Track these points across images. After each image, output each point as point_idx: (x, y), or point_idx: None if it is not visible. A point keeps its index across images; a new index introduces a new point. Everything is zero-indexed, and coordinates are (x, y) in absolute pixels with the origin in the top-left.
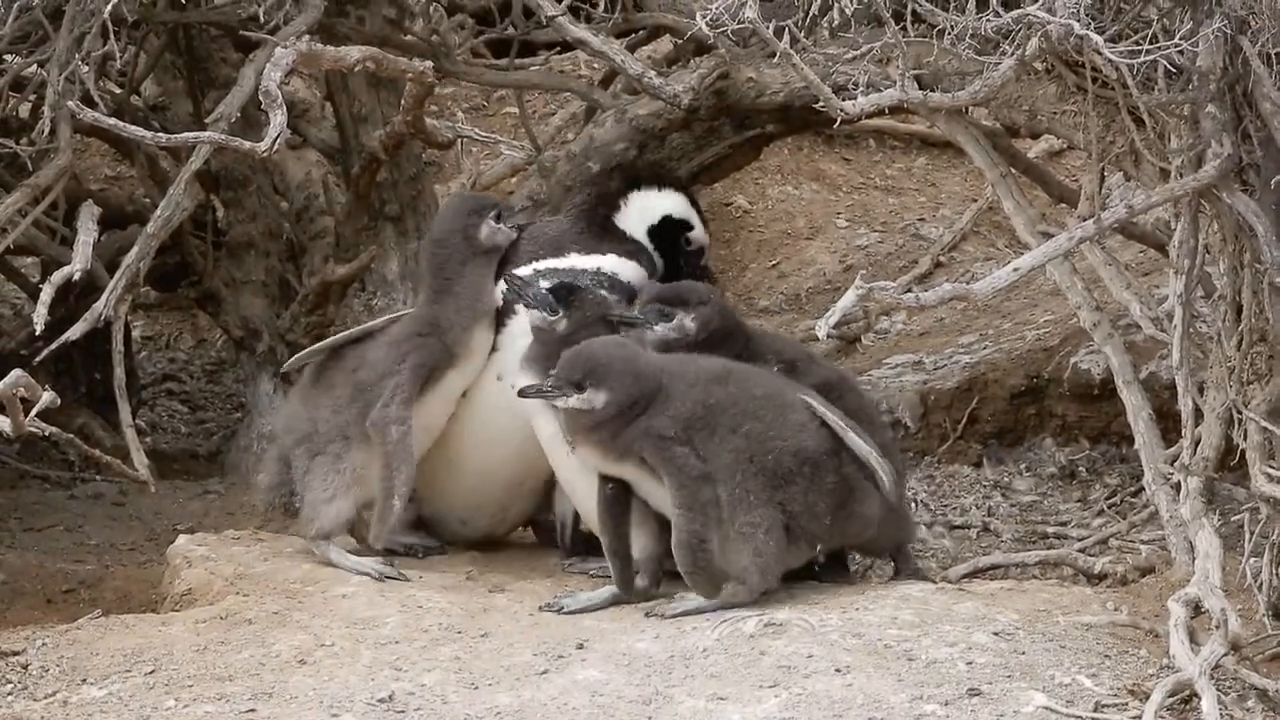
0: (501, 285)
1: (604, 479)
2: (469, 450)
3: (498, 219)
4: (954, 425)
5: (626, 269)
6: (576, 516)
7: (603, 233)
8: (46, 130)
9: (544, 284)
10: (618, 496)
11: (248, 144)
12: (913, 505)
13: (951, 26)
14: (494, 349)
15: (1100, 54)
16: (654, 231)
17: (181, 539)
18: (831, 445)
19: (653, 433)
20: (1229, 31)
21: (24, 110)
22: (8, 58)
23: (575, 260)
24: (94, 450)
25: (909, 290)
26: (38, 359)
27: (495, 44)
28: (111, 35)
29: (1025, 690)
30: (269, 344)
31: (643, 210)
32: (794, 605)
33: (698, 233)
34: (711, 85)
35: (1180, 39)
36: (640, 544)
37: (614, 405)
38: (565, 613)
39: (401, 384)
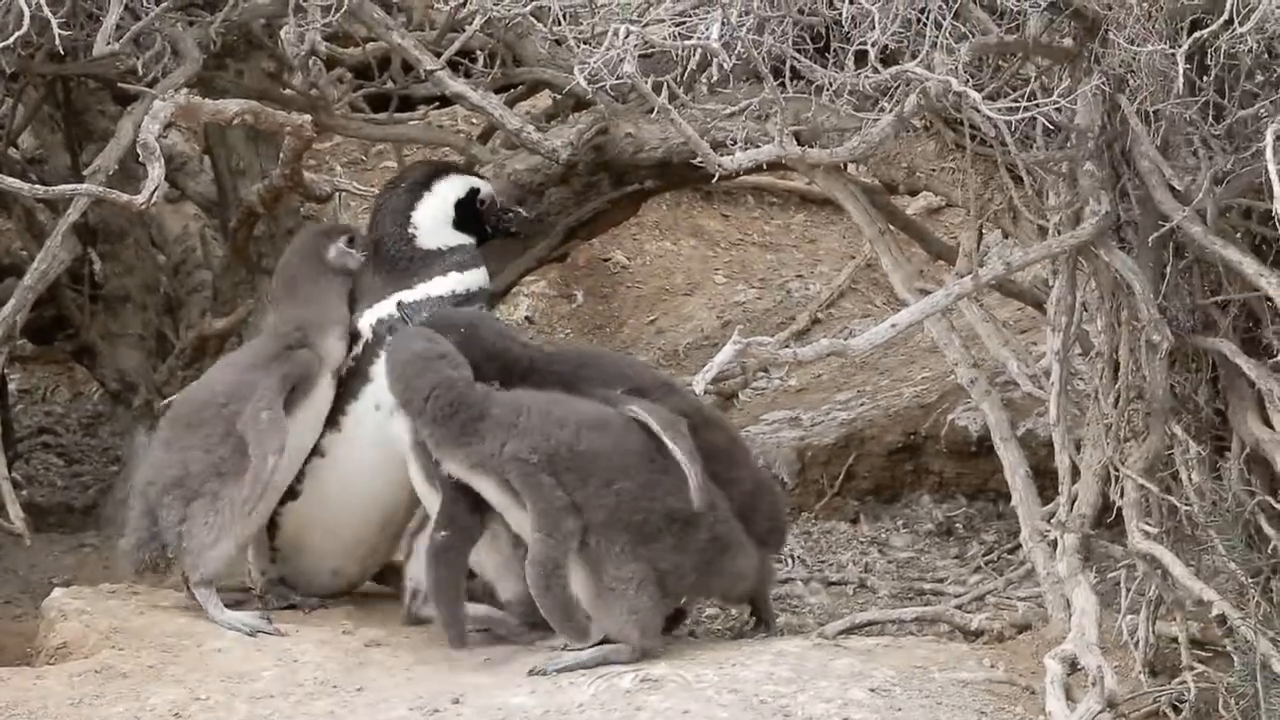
0: (379, 312)
1: (436, 526)
2: (348, 486)
3: (350, 243)
4: (831, 481)
5: (471, 278)
6: None
7: (424, 263)
8: None
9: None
10: (450, 544)
11: (125, 197)
12: (790, 561)
13: (830, 83)
14: (369, 380)
15: (978, 111)
16: (459, 224)
17: (57, 592)
18: (707, 501)
19: (514, 456)
20: (1107, 89)
21: None
22: None
23: (427, 289)
24: None
25: (787, 346)
26: None
27: (374, 98)
28: None
29: None
30: (145, 397)
31: (434, 220)
32: (670, 660)
33: (483, 188)
34: (590, 140)
35: (1058, 96)
36: (509, 587)
37: (389, 379)
38: (554, 671)
39: (267, 387)
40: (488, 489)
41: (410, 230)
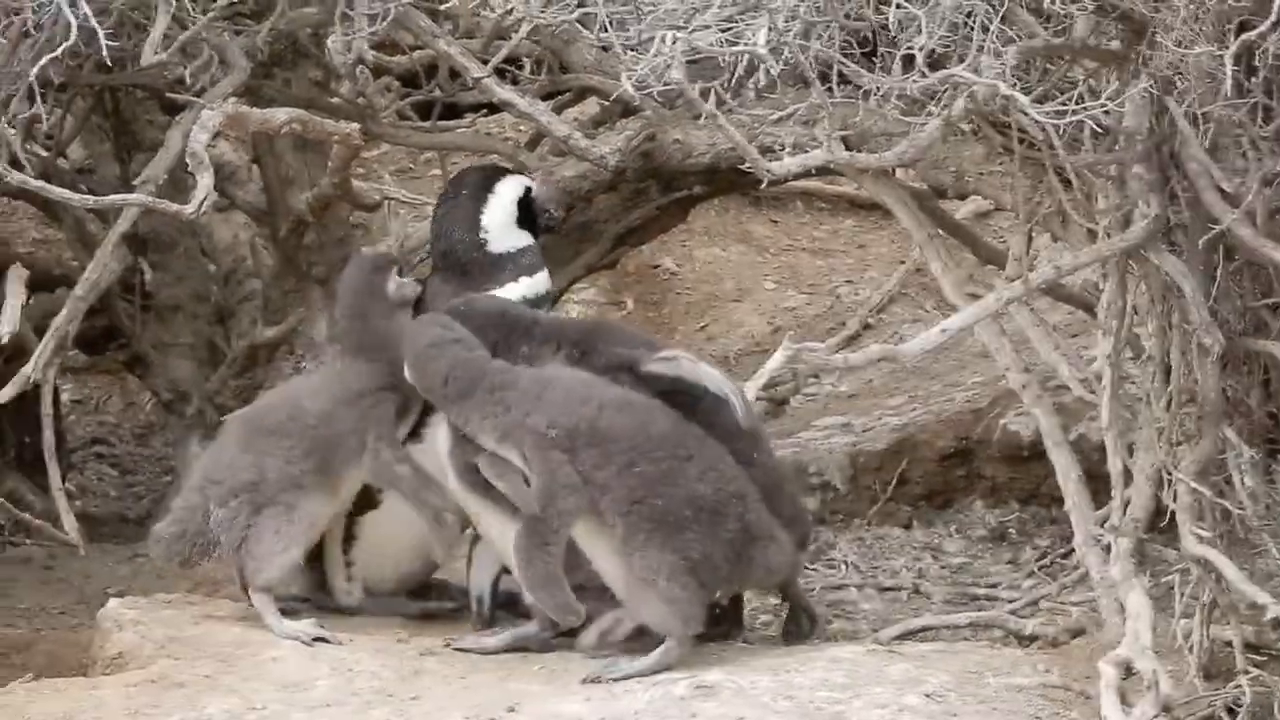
0: None
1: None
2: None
3: (399, 273)
4: (883, 487)
5: (539, 281)
6: (494, 587)
7: (496, 268)
8: None
9: None
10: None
11: (175, 206)
12: (843, 567)
13: (878, 87)
14: None
15: (1026, 114)
16: (520, 223)
17: (112, 602)
18: (735, 490)
19: (530, 429)
20: (1155, 92)
21: None
22: None
23: (501, 295)
24: (23, 514)
25: (837, 352)
26: None
27: (423, 106)
28: (38, 97)
29: None
30: (198, 407)
31: (502, 222)
32: (724, 667)
33: (534, 185)
34: (638, 147)
35: (1107, 99)
36: None
37: (409, 374)
38: (610, 680)
39: (381, 434)
40: (516, 461)
41: (482, 235)
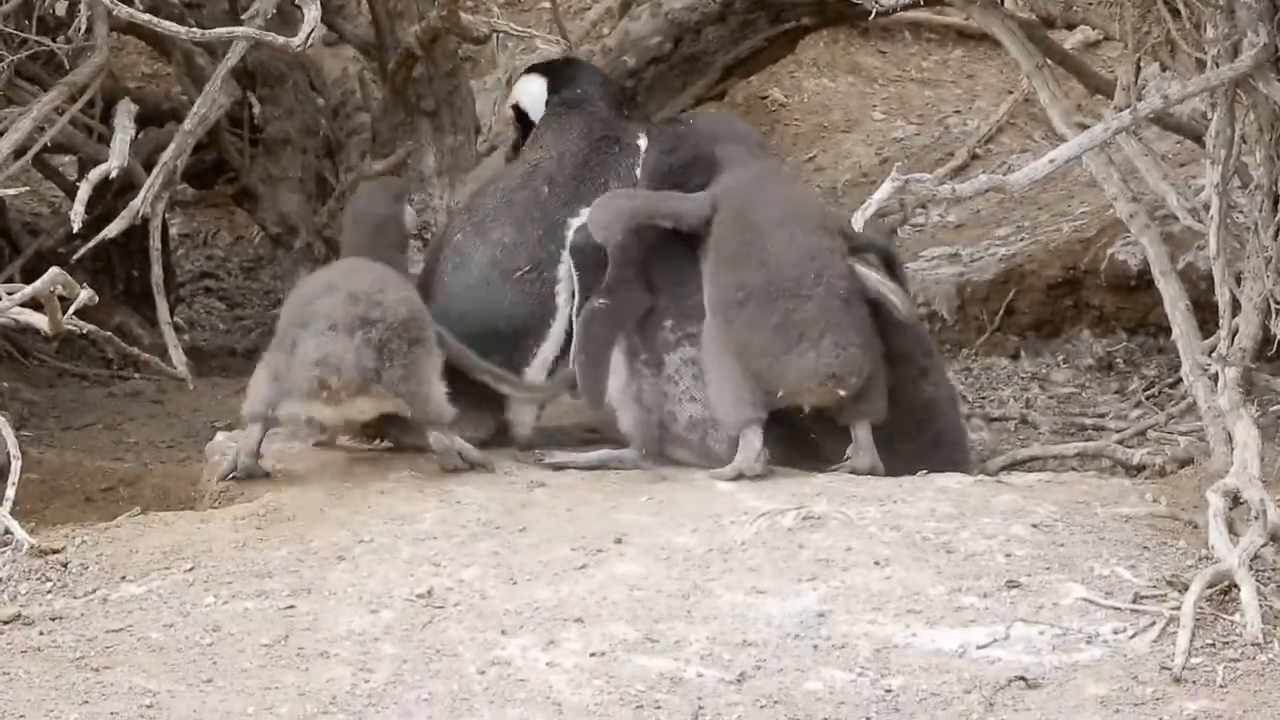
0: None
1: (596, 294)
2: None
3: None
4: (991, 317)
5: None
6: None
7: None
8: (83, 28)
9: None
10: (610, 309)
11: (282, 39)
12: None
13: None
14: None
15: None
16: None
17: (220, 436)
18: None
19: None
20: None
21: (60, 8)
22: None
23: None
24: (132, 348)
25: (945, 182)
26: (75, 257)
27: None
28: None
29: (1064, 582)
30: (306, 240)
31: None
32: (832, 498)
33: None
34: None
35: None
36: (627, 417)
37: None
38: (547, 464)
39: None
40: None
41: None
